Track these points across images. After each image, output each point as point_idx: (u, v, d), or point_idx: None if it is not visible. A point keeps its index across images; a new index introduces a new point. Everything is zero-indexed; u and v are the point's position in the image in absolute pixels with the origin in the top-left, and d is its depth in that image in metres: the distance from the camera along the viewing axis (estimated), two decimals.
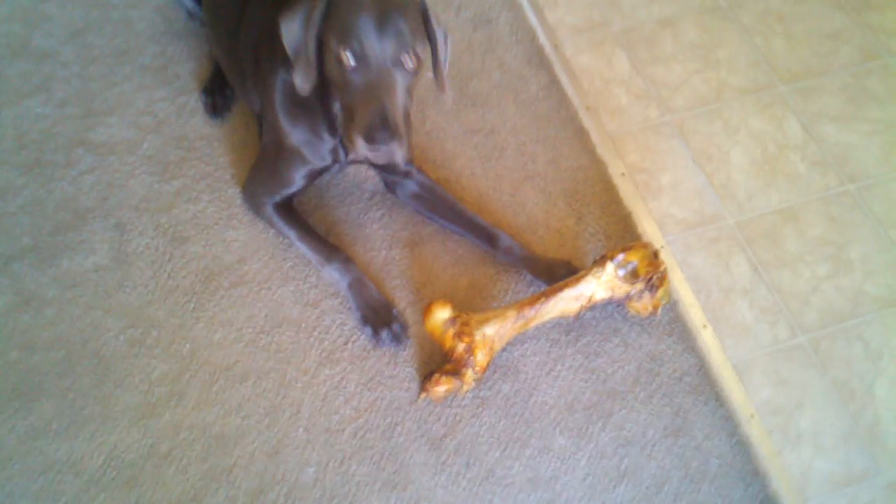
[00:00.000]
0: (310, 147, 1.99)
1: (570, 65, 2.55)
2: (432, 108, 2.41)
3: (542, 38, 2.60)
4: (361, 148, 1.68)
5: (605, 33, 2.64)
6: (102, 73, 2.43)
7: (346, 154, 2.02)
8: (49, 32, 2.50)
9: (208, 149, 2.30)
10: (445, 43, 1.83)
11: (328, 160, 2.03)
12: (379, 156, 1.69)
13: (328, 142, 1.98)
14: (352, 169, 2.27)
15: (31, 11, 2.54)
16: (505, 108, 2.43)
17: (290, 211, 2.13)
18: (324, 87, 1.84)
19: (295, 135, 1.98)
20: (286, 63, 1.87)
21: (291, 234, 2.10)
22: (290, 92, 1.92)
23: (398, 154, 1.69)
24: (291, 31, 1.73)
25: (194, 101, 2.38)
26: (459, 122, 2.40)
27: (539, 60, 2.53)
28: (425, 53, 1.76)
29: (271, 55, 1.93)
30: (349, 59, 1.67)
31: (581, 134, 2.38)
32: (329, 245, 2.08)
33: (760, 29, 2.67)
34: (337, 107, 1.86)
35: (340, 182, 2.25)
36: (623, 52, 2.59)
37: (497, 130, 2.39)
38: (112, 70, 2.43)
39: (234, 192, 2.22)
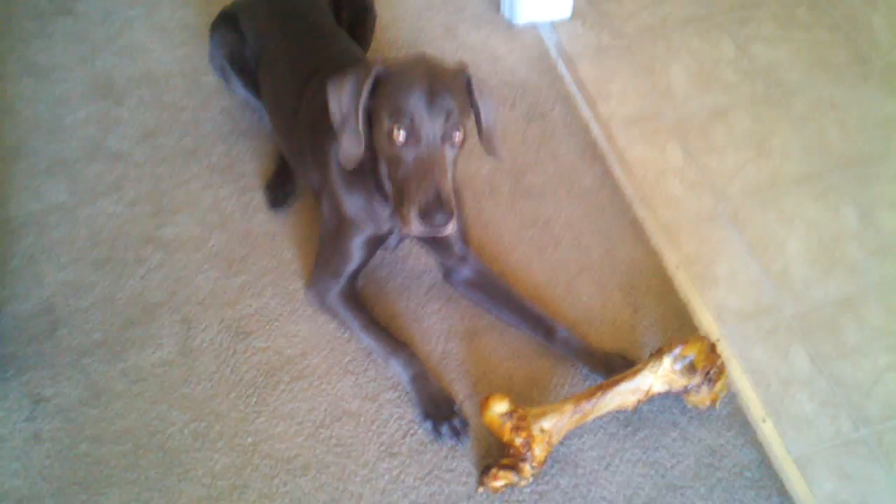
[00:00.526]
0: (366, 213, 2.05)
1: (624, 156, 2.59)
2: (489, 201, 2.46)
3: (596, 131, 2.65)
4: (416, 226, 1.74)
5: (657, 124, 2.68)
6: (172, 172, 2.54)
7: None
8: (122, 134, 2.63)
9: (271, 244, 2.37)
10: (493, 108, 1.91)
11: (385, 227, 2.08)
12: (432, 231, 1.75)
13: (383, 208, 2.03)
14: (410, 262, 2.32)
15: (105, 115, 2.67)
16: (559, 200, 2.47)
17: (355, 301, 2.17)
18: (372, 154, 1.91)
19: (351, 202, 2.05)
20: None
21: (355, 325, 2.14)
22: None
23: (450, 228, 1.75)
24: (339, 99, 1.81)
25: (258, 198, 2.46)
26: (515, 215, 2.44)
27: (593, 152, 2.58)
28: (470, 123, 1.84)
29: (328, 127, 2.00)
30: (401, 135, 1.74)
31: (635, 225, 2.41)
32: (393, 339, 2.12)
33: (814, 116, 2.69)
34: (385, 174, 1.91)
35: (398, 276, 2.31)
36: (676, 143, 2.63)
37: (552, 222, 2.43)
38: (181, 169, 2.54)
39: (296, 287, 2.28)
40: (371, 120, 1.83)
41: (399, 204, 1.80)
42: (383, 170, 1.90)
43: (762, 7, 3.00)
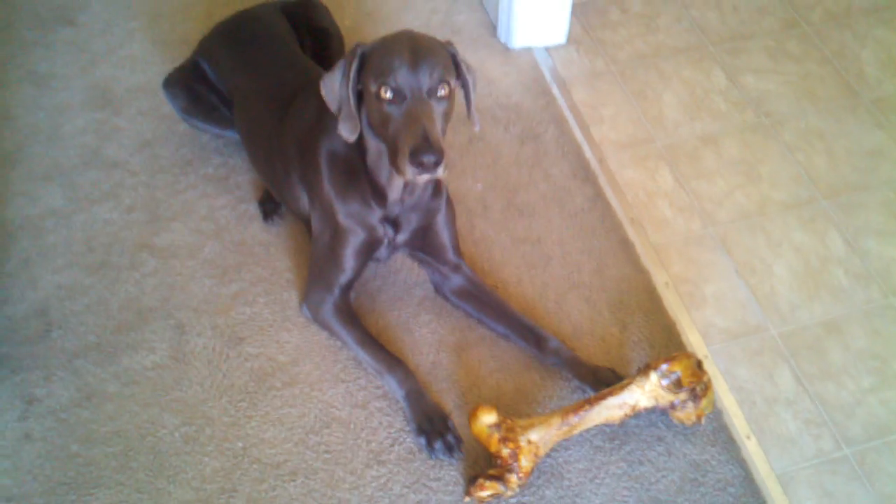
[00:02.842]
0: (359, 217, 2.09)
1: (615, 178, 2.63)
2: (482, 219, 2.49)
3: (588, 153, 2.69)
4: (410, 173, 1.79)
5: (648, 149, 2.73)
6: (168, 181, 2.57)
7: (396, 231, 2.13)
8: (119, 143, 2.66)
9: (265, 254, 2.40)
10: (474, 83, 2.00)
11: (379, 232, 2.12)
12: (425, 172, 1.79)
13: (377, 211, 2.08)
14: (402, 274, 2.35)
15: (103, 124, 2.71)
16: (551, 219, 2.51)
17: (349, 315, 2.20)
18: (365, 151, 2.00)
19: (345, 208, 2.09)
20: (329, 134, 2.03)
21: (350, 340, 2.16)
22: (336, 164, 2.07)
23: (441, 172, 1.80)
24: (332, 86, 1.90)
25: (253, 209, 2.50)
26: (507, 232, 2.48)
27: (584, 174, 2.62)
28: (457, 87, 1.92)
29: (316, 136, 2.09)
30: (386, 93, 1.80)
31: (625, 245, 2.45)
32: (389, 354, 2.14)
33: (801, 146, 2.74)
34: (379, 151, 1.97)
35: (391, 288, 2.33)
36: (666, 167, 2.68)
37: (543, 240, 2.46)
38: (177, 179, 2.57)
39: (288, 296, 2.31)
40: (362, 98, 1.90)
41: (394, 159, 1.84)
42: (374, 148, 1.97)
43: (753, 39, 3.06)
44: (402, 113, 1.81)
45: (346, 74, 1.87)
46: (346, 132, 1.90)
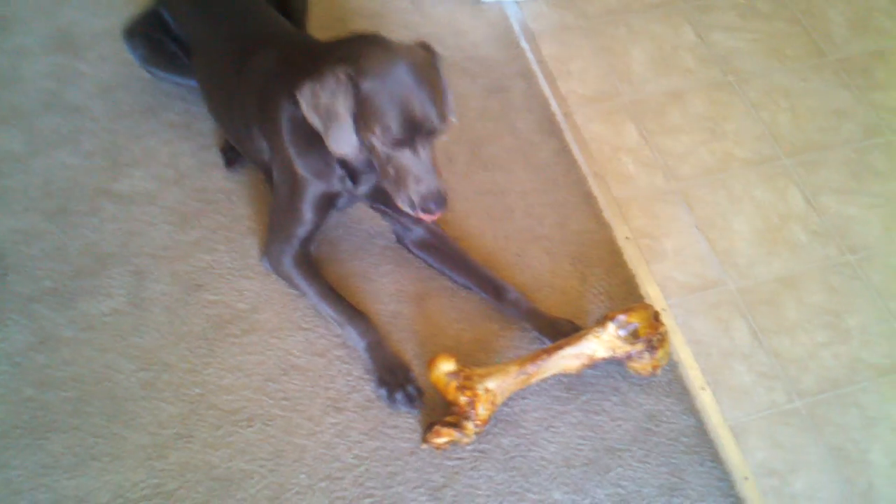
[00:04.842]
0: (319, 172, 2.07)
1: (581, 133, 2.63)
2: (446, 170, 2.47)
3: (554, 107, 2.69)
4: (416, 213, 1.87)
5: (614, 104, 2.72)
6: (129, 127, 2.53)
7: (355, 183, 2.10)
8: (81, 88, 2.62)
9: (226, 202, 2.38)
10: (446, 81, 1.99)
11: (338, 185, 2.10)
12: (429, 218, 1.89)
13: (337, 170, 2.07)
14: (364, 224, 2.35)
15: (65, 68, 2.66)
16: (516, 172, 2.51)
17: (310, 267, 2.19)
18: None
19: (304, 161, 2.07)
20: (291, 99, 1.95)
21: (311, 292, 2.16)
22: (298, 125, 2.02)
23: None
24: (316, 106, 1.85)
25: (215, 155, 2.47)
26: (471, 184, 2.47)
27: (550, 128, 2.62)
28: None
29: (276, 94, 2.05)
30: (396, 138, 1.81)
31: (588, 199, 2.45)
32: (350, 306, 2.14)
33: (766, 104, 2.75)
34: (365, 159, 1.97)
35: (352, 237, 2.33)
36: (632, 123, 2.68)
37: (507, 193, 2.46)
38: (138, 125, 2.54)
39: (249, 243, 2.30)
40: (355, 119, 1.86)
41: (395, 190, 1.88)
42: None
43: None
44: (409, 157, 1.83)
45: (337, 99, 1.82)
46: (339, 151, 1.89)
